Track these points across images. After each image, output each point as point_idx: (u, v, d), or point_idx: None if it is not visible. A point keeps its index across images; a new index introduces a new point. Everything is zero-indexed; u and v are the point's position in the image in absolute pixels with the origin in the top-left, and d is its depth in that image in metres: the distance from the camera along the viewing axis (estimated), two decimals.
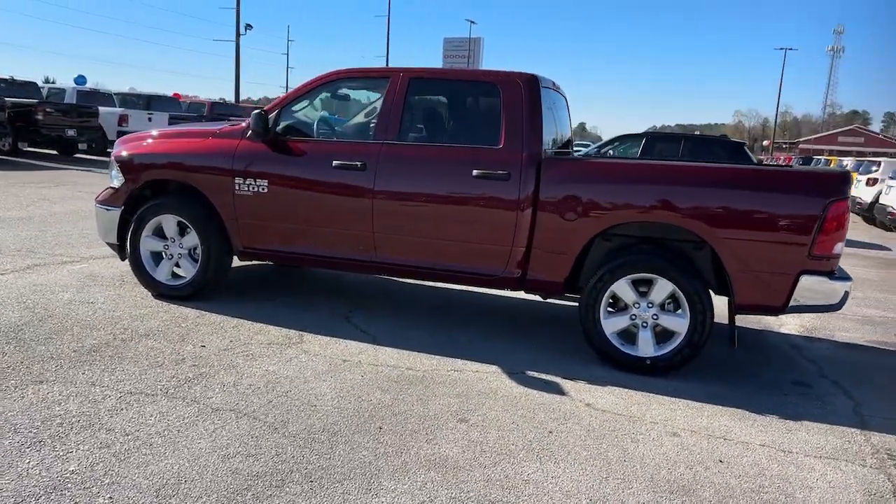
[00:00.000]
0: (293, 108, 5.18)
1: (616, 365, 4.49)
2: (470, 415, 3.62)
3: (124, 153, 5.43)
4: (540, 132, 4.63)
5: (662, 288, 4.37)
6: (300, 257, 5.21)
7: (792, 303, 4.24)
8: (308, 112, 5.32)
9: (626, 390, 4.14)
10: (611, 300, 4.51)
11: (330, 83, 5.21)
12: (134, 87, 30.31)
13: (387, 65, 49.28)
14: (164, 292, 5.34)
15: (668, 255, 4.42)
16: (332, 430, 3.32)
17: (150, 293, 5.38)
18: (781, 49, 66.12)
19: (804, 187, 4.20)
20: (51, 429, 3.09)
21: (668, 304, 4.43)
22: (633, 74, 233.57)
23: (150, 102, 21.29)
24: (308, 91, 5.19)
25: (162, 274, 5.37)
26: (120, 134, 14.91)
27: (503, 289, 4.93)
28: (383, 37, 48.34)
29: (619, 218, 4.41)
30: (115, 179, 5.47)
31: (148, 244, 5.36)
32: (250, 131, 5.01)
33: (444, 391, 3.91)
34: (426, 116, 5.09)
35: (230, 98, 38.33)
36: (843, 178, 4.22)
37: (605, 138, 17.85)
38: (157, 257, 5.39)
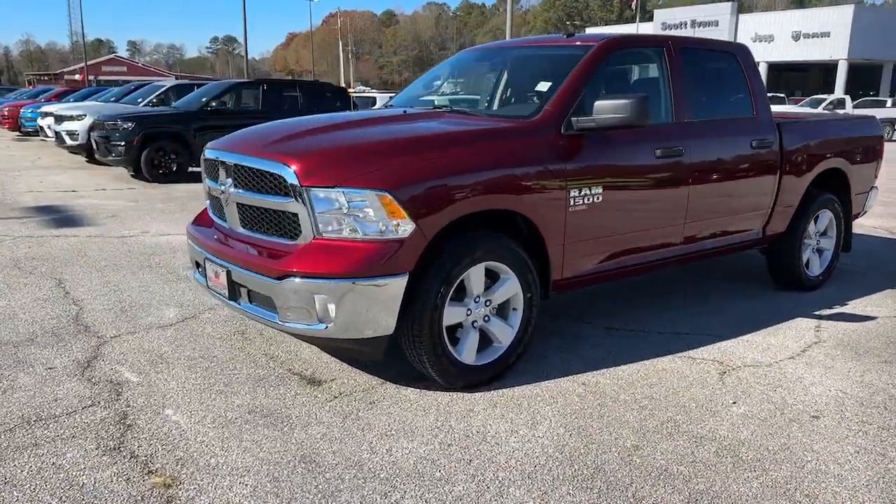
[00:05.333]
0: (586, 93, 3.90)
1: (799, 287, 5.44)
2: None
3: (406, 183, 3.08)
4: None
5: (825, 218, 5.53)
6: (621, 271, 4.16)
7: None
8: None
9: (853, 301, 5.22)
10: None
11: (609, 57, 4.10)
12: None
13: None
14: (474, 381, 3.50)
15: (831, 192, 5.56)
16: None
17: (443, 385, 3.44)
18: None
19: (872, 129, 5.92)
20: None
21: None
22: None
23: None
24: (596, 70, 3.99)
25: (470, 353, 3.47)
26: None
27: (745, 250, 5.12)
28: None
29: (821, 168, 5.27)
30: (375, 226, 3.06)
31: (449, 316, 3.35)
32: (603, 121, 3.62)
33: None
34: (697, 89, 4.56)
35: None
36: (878, 121, 6.14)
37: None
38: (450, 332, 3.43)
